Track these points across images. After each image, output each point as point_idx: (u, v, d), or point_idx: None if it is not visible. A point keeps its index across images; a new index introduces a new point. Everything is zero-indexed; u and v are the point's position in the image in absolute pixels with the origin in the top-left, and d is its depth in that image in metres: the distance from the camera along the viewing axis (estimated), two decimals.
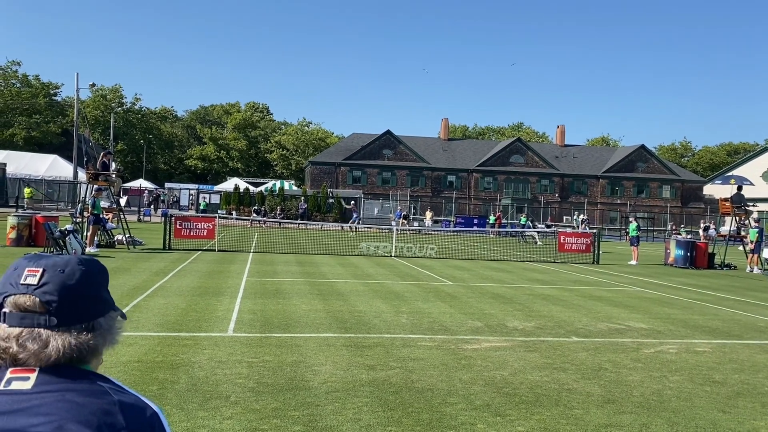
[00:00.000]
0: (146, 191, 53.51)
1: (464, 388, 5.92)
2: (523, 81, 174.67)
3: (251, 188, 52.08)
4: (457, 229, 44.27)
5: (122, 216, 20.75)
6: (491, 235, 43.87)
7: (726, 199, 24.53)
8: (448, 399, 5.54)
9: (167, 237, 20.14)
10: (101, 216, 18.81)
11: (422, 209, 59.22)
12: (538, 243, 34.74)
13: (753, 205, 26.71)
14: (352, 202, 45.84)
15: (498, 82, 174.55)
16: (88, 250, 17.23)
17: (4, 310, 1.14)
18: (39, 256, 1.21)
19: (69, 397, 1.08)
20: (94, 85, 51.86)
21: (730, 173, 76.71)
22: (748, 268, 22.31)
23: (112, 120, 71.46)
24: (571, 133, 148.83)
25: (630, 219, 28.35)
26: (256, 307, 9.82)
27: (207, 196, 50.39)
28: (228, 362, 6.44)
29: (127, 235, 19.83)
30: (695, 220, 58.24)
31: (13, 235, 18.23)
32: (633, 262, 23.34)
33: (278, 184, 59.20)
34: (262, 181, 72.84)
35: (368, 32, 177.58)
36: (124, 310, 1.23)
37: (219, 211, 40.93)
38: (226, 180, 72.57)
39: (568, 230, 30.18)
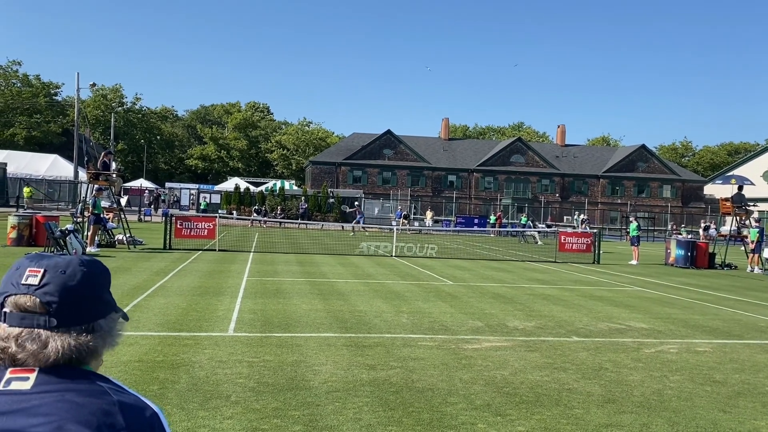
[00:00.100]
0: (147, 191, 53.51)
1: (465, 387, 5.92)
2: (523, 81, 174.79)
3: (252, 188, 52.07)
4: (457, 228, 44.26)
5: (123, 216, 20.76)
6: (492, 235, 43.86)
7: (726, 199, 24.52)
8: (448, 399, 5.54)
9: (168, 237, 20.14)
10: (102, 216, 18.81)
11: (423, 209, 59.20)
12: (539, 243, 34.73)
13: (753, 205, 26.71)
14: (356, 203, 45.82)
15: (498, 81, 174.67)
16: (88, 249, 17.24)
17: (4, 309, 1.14)
18: (41, 256, 1.21)
19: (68, 397, 1.08)
20: (94, 84, 51.82)
21: (730, 173, 76.73)
22: (749, 268, 22.31)
23: (112, 120, 71.45)
24: (571, 133, 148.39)
25: (630, 219, 28.34)
26: (256, 307, 9.82)
27: (207, 195, 50.40)
28: (228, 362, 6.44)
29: (127, 235, 19.84)
30: (696, 220, 58.22)
31: (13, 234, 18.24)
32: (633, 262, 23.33)
33: (279, 183, 59.20)
34: (262, 180, 72.83)
35: (368, 32, 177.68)
36: (125, 310, 1.22)
37: (219, 211, 40.96)
38: (227, 180, 72.58)
39: (569, 230, 30.17)
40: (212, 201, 48.48)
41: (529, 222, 45.56)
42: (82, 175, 34.43)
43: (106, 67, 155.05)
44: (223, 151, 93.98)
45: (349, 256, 20.57)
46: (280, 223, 41.21)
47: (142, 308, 9.27)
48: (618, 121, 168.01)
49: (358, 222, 38.53)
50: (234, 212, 42.53)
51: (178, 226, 20.72)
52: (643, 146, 75.85)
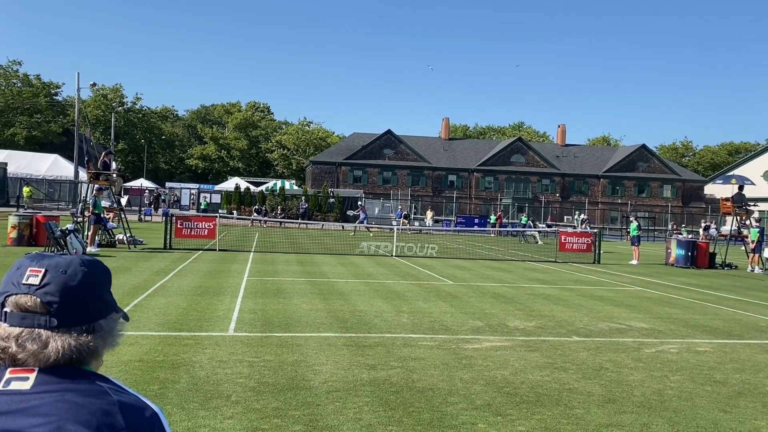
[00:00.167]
0: (147, 191, 53.53)
1: (465, 387, 5.92)
2: (523, 81, 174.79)
3: (252, 188, 52.07)
4: (457, 228, 44.26)
5: (123, 215, 20.76)
6: (492, 235, 43.86)
7: (727, 199, 24.51)
8: (448, 398, 5.54)
9: (168, 236, 20.14)
10: (102, 215, 18.82)
11: (423, 209, 59.20)
12: (539, 243, 34.72)
13: (754, 205, 26.71)
14: (359, 203, 45.77)
15: (499, 81, 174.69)
16: (89, 249, 17.24)
17: (5, 309, 1.13)
18: (42, 256, 1.20)
19: (68, 397, 1.08)
20: (94, 84, 51.82)
21: (731, 173, 76.72)
22: (749, 268, 22.30)
23: (113, 119, 71.48)
24: (571, 133, 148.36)
25: (631, 219, 28.33)
26: (256, 307, 9.82)
27: (208, 195, 50.39)
28: (229, 362, 6.44)
29: (127, 235, 19.84)
30: (696, 220, 58.22)
31: (14, 234, 18.25)
32: (634, 262, 23.33)
33: (279, 183, 59.21)
34: (262, 180, 72.85)
35: (368, 32, 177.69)
36: (125, 310, 1.22)
37: (220, 211, 40.96)
38: (227, 179, 72.61)
39: (569, 230, 30.17)
40: (212, 201, 48.48)
41: (530, 222, 45.55)
42: (83, 175, 34.43)
43: (107, 66, 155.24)
44: (223, 150, 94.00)
45: (350, 256, 20.57)
46: (281, 222, 41.20)
47: (142, 308, 9.27)
48: (618, 121, 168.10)
49: (362, 222, 38.39)
50: (234, 212, 42.52)
51: (179, 226, 20.72)
52: (644, 146, 75.85)
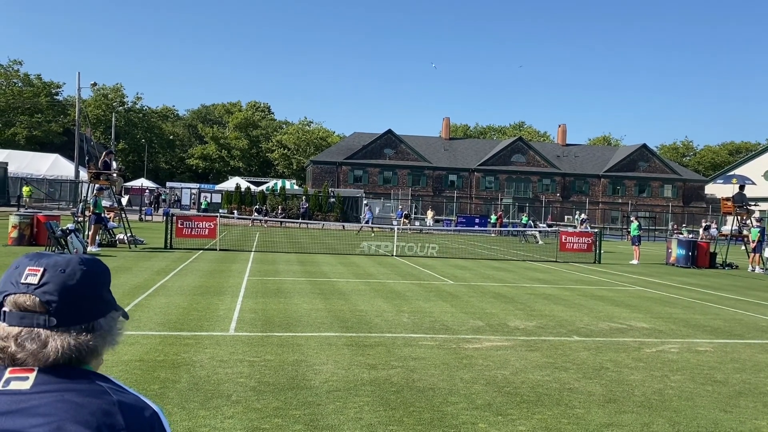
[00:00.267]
0: (147, 190, 53.55)
1: (465, 387, 5.92)
2: (524, 80, 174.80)
3: (252, 187, 52.07)
4: (458, 228, 44.25)
5: (124, 215, 20.77)
6: (493, 235, 43.85)
7: (728, 199, 24.49)
8: (449, 398, 5.54)
9: (169, 236, 20.15)
10: (103, 215, 18.82)
11: (423, 208, 59.21)
12: (540, 242, 34.72)
13: (755, 205, 26.68)
14: (365, 202, 45.75)
15: (499, 81, 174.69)
16: (89, 249, 17.25)
17: (4, 308, 1.13)
18: (40, 255, 1.20)
19: (68, 397, 1.07)
20: (95, 84, 51.90)
21: (731, 172, 76.58)
22: (750, 268, 22.29)
23: (113, 119, 71.49)
24: (572, 133, 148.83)
25: (631, 218, 28.31)
26: (257, 307, 9.81)
27: (208, 195, 50.41)
28: (229, 361, 6.44)
29: (128, 234, 19.85)
30: (697, 220, 58.19)
31: (14, 234, 18.25)
32: (634, 262, 23.32)
33: (279, 183, 59.20)
34: (263, 180, 72.85)
35: (369, 32, 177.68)
36: (125, 309, 1.22)
37: (220, 211, 40.94)
38: (228, 179, 72.61)
39: (569, 230, 30.16)
40: (213, 200, 48.48)
41: (530, 222, 45.55)
42: (83, 175, 34.44)
43: (107, 66, 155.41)
44: (224, 150, 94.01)
45: (350, 256, 20.56)
46: (281, 222, 41.21)
47: (143, 307, 9.27)
48: (619, 121, 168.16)
49: (368, 221, 38.32)
50: (235, 212, 42.53)
51: (179, 226, 20.72)
52: (644, 146, 75.82)
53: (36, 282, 1.14)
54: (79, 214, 20.09)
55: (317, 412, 5.00)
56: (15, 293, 1.13)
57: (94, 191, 18.97)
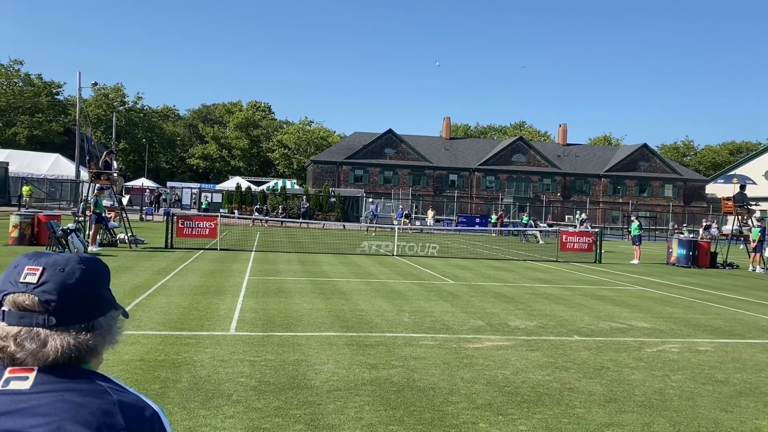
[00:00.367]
0: (148, 190, 53.57)
1: (466, 387, 5.91)
2: (525, 80, 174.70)
3: (253, 187, 52.09)
4: (459, 228, 44.25)
5: (124, 215, 20.77)
6: (493, 235, 43.84)
7: (728, 198, 24.47)
8: (449, 398, 5.53)
9: (169, 236, 20.15)
10: (103, 215, 18.83)
11: (424, 208, 59.20)
12: (540, 242, 34.71)
13: (755, 204, 26.67)
14: (369, 200, 45.74)
15: (500, 81, 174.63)
16: (90, 248, 17.26)
17: (3, 308, 1.13)
18: (39, 254, 1.20)
19: (68, 397, 1.07)
20: (96, 84, 51.87)
21: (732, 172, 76.62)
22: (751, 267, 22.29)
23: (114, 119, 71.48)
24: (573, 132, 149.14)
25: (632, 218, 28.30)
26: (258, 306, 9.81)
27: (209, 195, 50.43)
28: (230, 361, 6.44)
29: (129, 234, 19.86)
30: (697, 220, 58.15)
31: (15, 233, 18.26)
32: (635, 262, 23.31)
33: (280, 183, 59.20)
34: (264, 180, 72.86)
35: (369, 31, 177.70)
36: (126, 309, 1.21)
37: (221, 210, 40.95)
38: (228, 179, 72.63)
39: (570, 229, 30.15)
40: (214, 200, 48.51)
41: (531, 221, 45.53)
42: (84, 175, 34.46)
43: (108, 66, 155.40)
44: (224, 150, 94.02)
45: (351, 255, 20.56)
46: (282, 222, 41.21)
47: (143, 307, 9.27)
48: (619, 121, 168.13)
49: (373, 217, 38.33)
50: (235, 211, 42.53)
51: (180, 226, 20.72)
52: (645, 145, 75.77)
53: (35, 281, 1.13)
54: (79, 214, 20.09)
55: (318, 412, 4.99)
56: (14, 292, 1.13)
57: (95, 191, 18.97)
